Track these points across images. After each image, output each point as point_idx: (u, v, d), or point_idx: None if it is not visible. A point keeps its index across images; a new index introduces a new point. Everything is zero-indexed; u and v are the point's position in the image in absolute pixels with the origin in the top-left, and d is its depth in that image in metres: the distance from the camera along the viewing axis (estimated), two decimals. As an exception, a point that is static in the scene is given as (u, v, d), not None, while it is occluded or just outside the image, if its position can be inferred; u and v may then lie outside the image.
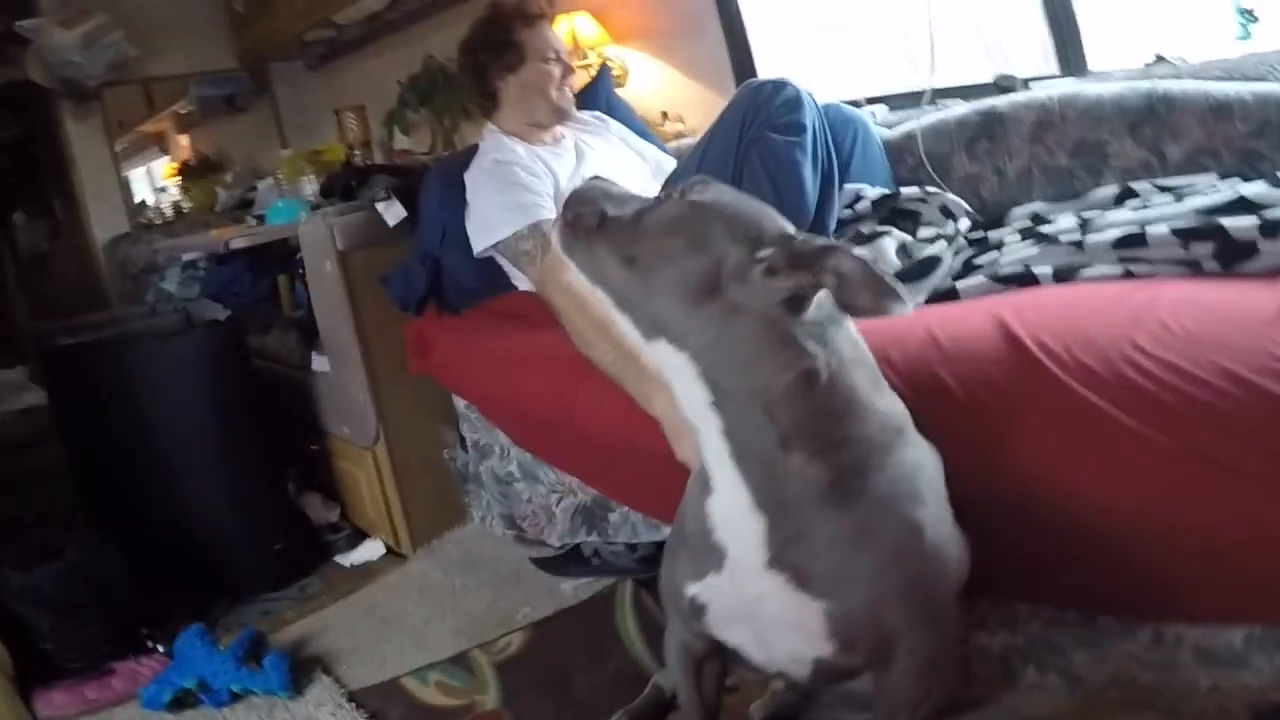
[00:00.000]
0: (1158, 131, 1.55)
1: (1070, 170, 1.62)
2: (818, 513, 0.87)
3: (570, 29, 2.61)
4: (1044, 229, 1.39)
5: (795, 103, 1.49)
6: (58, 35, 3.42)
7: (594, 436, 1.50)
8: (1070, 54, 1.99)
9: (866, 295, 0.79)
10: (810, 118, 1.49)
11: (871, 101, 2.03)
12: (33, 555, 1.80)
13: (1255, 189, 1.29)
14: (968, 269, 1.37)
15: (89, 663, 1.77)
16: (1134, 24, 2.04)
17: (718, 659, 1.09)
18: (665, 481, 1.17)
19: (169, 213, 3.90)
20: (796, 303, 0.83)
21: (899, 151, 1.81)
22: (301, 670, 1.68)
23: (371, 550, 2.13)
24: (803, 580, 0.89)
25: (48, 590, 1.76)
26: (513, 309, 1.80)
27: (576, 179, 1.76)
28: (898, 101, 2.03)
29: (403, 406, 2.06)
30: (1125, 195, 1.47)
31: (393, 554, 2.14)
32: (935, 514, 0.91)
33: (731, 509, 0.91)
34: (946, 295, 1.31)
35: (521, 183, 1.72)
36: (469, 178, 1.81)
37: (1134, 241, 1.22)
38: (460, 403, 1.96)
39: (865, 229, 1.53)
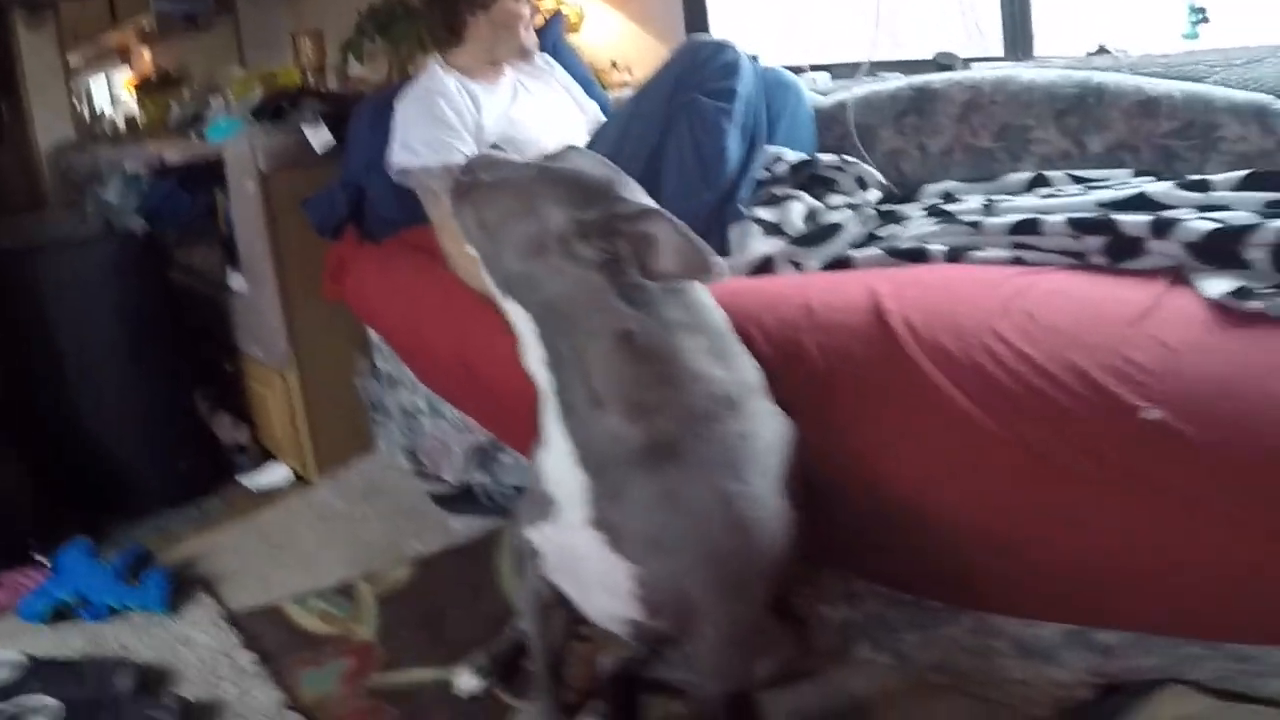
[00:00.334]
0: (1082, 122, 1.51)
1: (991, 153, 1.57)
2: (633, 475, 0.87)
3: (532, -30, 2.50)
4: (949, 207, 1.35)
5: (732, 67, 1.44)
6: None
7: (486, 379, 1.45)
8: (1019, 38, 1.94)
9: (676, 260, 0.79)
10: (745, 84, 1.44)
11: (816, 69, 1.96)
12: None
13: (1160, 188, 1.25)
14: (869, 240, 1.33)
15: (-26, 573, 1.71)
16: (1086, 12, 1.99)
17: (566, 606, 1.07)
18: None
19: (122, 124, 3.74)
20: (616, 265, 0.83)
21: (830, 120, 1.75)
22: (184, 590, 1.64)
23: (277, 474, 2.08)
24: (617, 542, 0.89)
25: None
26: (427, 243, 1.73)
27: (504, 121, 1.69)
28: (841, 70, 1.97)
29: (316, 331, 2.00)
30: (1037, 182, 1.43)
31: (300, 479, 2.09)
32: (754, 488, 0.88)
33: (557, 465, 0.92)
34: (843, 264, 1.27)
35: (446, 120, 1.65)
36: (399, 101, 1.74)
37: (1029, 228, 1.19)
38: (374, 332, 1.91)
39: (778, 191, 1.48)
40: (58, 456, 1.89)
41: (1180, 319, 0.96)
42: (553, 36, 2.13)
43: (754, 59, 1.55)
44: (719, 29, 2.34)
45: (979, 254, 1.18)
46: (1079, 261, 1.15)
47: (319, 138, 1.92)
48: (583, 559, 0.92)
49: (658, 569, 0.88)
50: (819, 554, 1.04)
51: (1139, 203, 1.20)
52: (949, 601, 1.04)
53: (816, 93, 1.83)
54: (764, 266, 1.29)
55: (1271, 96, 1.41)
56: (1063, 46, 1.93)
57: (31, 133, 3.53)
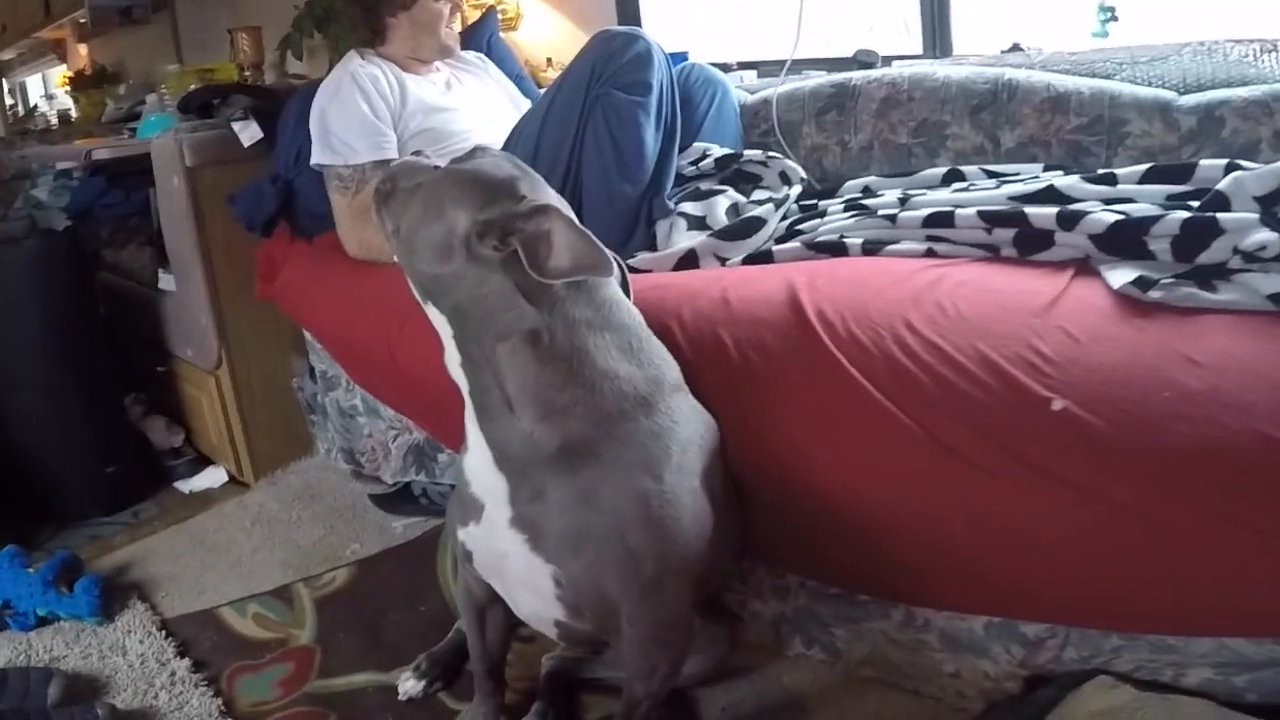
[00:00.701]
0: (996, 117, 1.51)
1: (909, 148, 1.56)
2: (551, 477, 0.84)
3: (469, -32, 2.44)
4: (867, 201, 1.34)
5: (644, 59, 1.40)
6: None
7: (417, 377, 1.40)
8: (938, 36, 1.94)
9: (568, 257, 0.77)
10: (658, 76, 1.41)
11: (743, 66, 1.94)
12: None
13: (1068, 181, 1.25)
14: (791, 234, 1.31)
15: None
16: (1003, 11, 2.01)
17: (502, 606, 1.04)
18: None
19: (54, 120, 3.58)
20: (518, 265, 0.81)
21: (755, 116, 1.73)
22: (117, 596, 1.56)
23: (213, 477, 2.00)
24: (538, 542, 0.86)
25: None
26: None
27: (432, 112, 1.64)
28: (767, 68, 1.95)
29: (248, 331, 1.92)
30: (953, 177, 1.42)
31: (236, 482, 2.01)
32: (669, 487, 0.85)
33: (478, 467, 0.90)
34: (764, 257, 1.25)
35: (361, 115, 1.59)
36: (321, 88, 1.68)
37: (942, 220, 1.18)
38: (307, 331, 1.84)
39: (704, 186, 1.46)
40: (-19, 465, 1.78)
41: (1084, 309, 0.96)
42: (487, 32, 2.09)
43: (684, 55, 1.53)
44: (651, 28, 2.31)
45: (895, 247, 1.17)
46: (990, 254, 1.14)
47: (247, 132, 1.84)
48: (505, 560, 0.90)
49: (575, 569, 0.86)
50: (747, 548, 1.02)
51: (1048, 196, 1.20)
52: (876, 595, 1.03)
53: (743, 90, 1.80)
54: (688, 260, 1.27)
55: (1173, 93, 1.43)
56: (980, 45, 1.95)
57: (-42, 130, 3.35)
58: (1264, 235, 1.00)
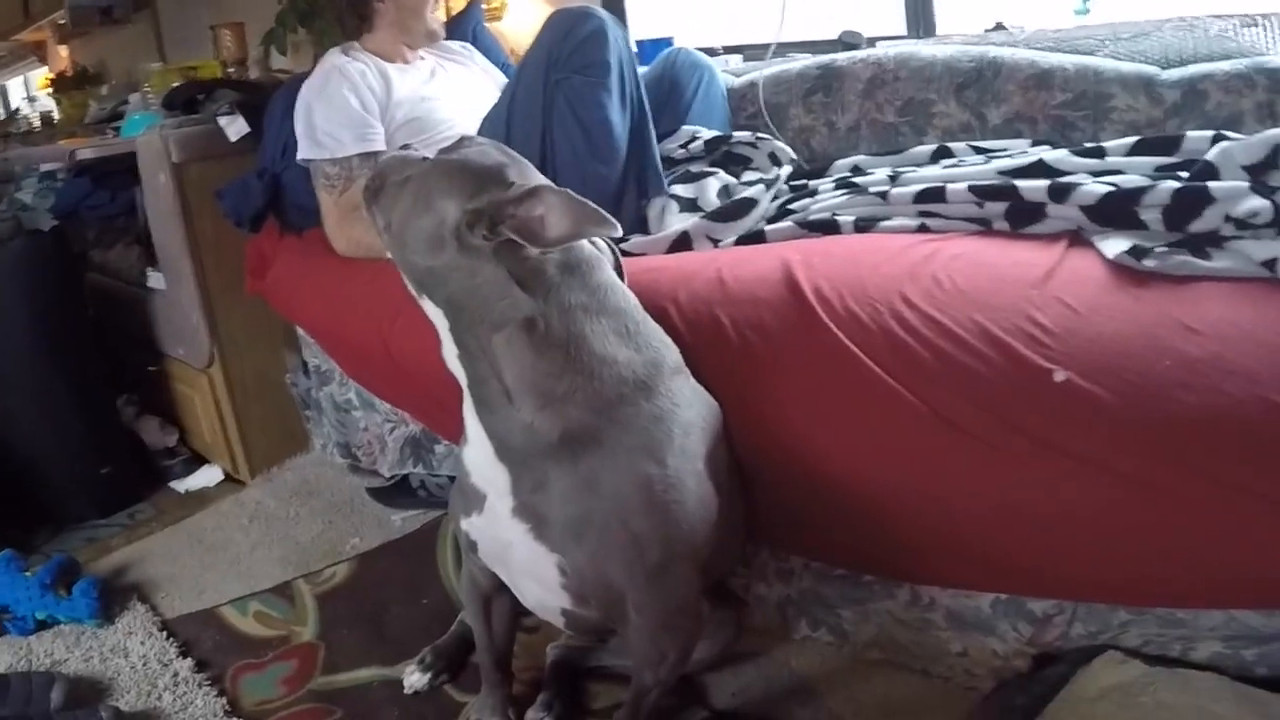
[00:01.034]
0: (981, 95, 1.49)
1: (896, 127, 1.54)
2: (553, 466, 0.82)
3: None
4: (857, 179, 1.31)
5: (599, 37, 1.35)
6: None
7: (412, 370, 1.37)
8: (921, 17, 1.92)
9: (567, 221, 0.75)
10: (615, 52, 1.36)
11: (728, 51, 1.91)
12: None
13: (1057, 155, 1.23)
14: (782, 214, 1.29)
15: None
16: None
17: (508, 596, 1.02)
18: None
19: (37, 123, 3.50)
20: (511, 253, 0.79)
21: (742, 99, 1.71)
22: (116, 598, 1.53)
23: (209, 476, 1.95)
24: (541, 532, 0.84)
25: None
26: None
27: (417, 100, 1.60)
28: (752, 52, 1.92)
29: (240, 327, 1.88)
30: (941, 154, 1.40)
31: (232, 480, 1.97)
32: (675, 468, 0.83)
33: (479, 459, 0.87)
34: (756, 238, 1.22)
35: (348, 108, 1.55)
36: (305, 84, 1.64)
37: (934, 196, 1.15)
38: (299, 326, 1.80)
39: (694, 168, 1.44)
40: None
41: (1080, 279, 0.94)
42: (472, 21, 2.05)
43: (670, 40, 1.49)
44: (636, 16, 2.27)
45: (887, 223, 1.15)
46: (982, 228, 1.12)
47: (234, 127, 1.79)
48: (510, 550, 0.87)
49: (580, 557, 0.83)
50: (750, 531, 0.99)
51: (1038, 170, 1.18)
52: (881, 574, 1.01)
53: (729, 74, 1.78)
54: (681, 242, 1.24)
55: (1156, 68, 1.41)
56: (962, 25, 1.92)
57: (-61, 134, 3.27)
58: (1255, 202, 0.98)
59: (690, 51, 1.67)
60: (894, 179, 1.26)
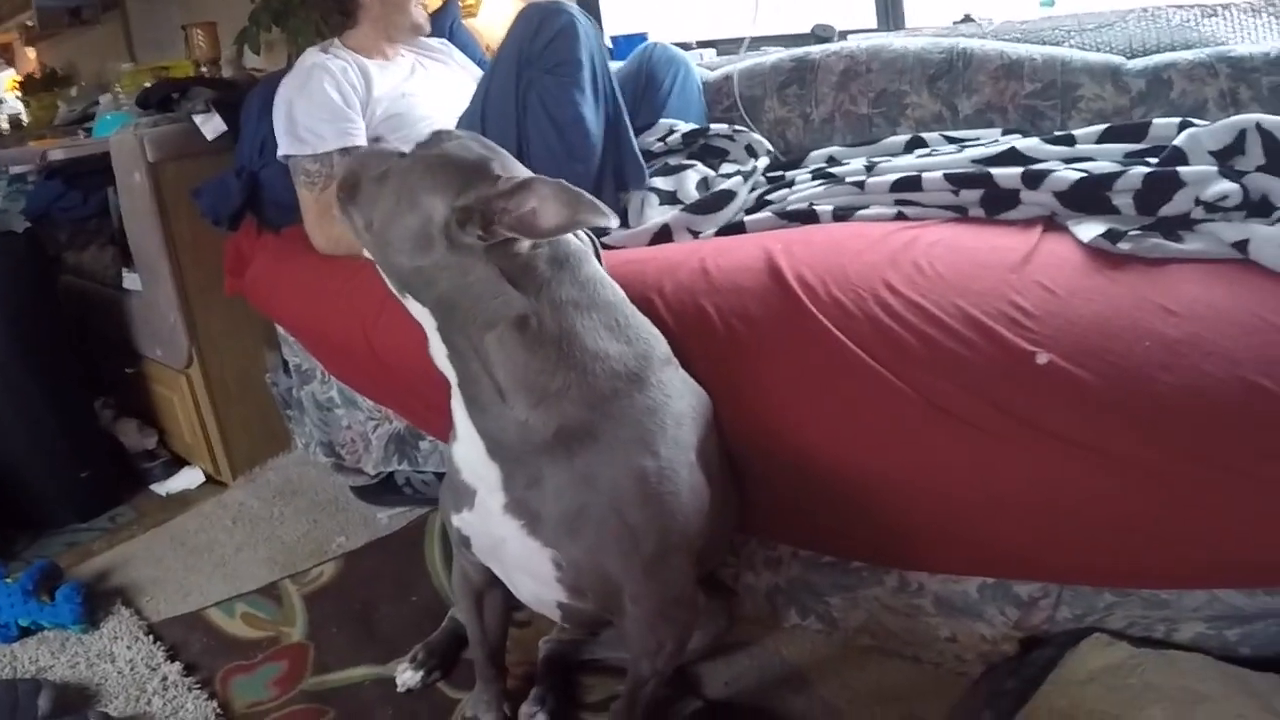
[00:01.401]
0: (952, 86, 1.49)
1: (870, 118, 1.54)
2: (548, 463, 0.80)
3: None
4: (834, 170, 1.30)
5: (568, 33, 1.31)
6: None
7: (395, 366, 1.34)
8: (891, 10, 1.91)
9: (561, 212, 0.71)
10: (586, 48, 1.33)
11: (702, 45, 1.89)
12: None
13: (1028, 143, 1.23)
14: (760, 205, 1.27)
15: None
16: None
17: (500, 591, 1.00)
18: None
19: (5, 126, 3.39)
20: (503, 250, 0.76)
21: (717, 93, 1.69)
22: (100, 603, 1.48)
23: (189, 478, 1.90)
24: (535, 527, 0.82)
25: None
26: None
27: (397, 96, 1.56)
28: (726, 46, 1.91)
29: (219, 327, 1.83)
30: (915, 144, 1.40)
31: (213, 482, 1.92)
32: (669, 459, 0.81)
33: (469, 456, 0.85)
34: (736, 229, 1.21)
35: (330, 103, 1.51)
36: (284, 81, 1.59)
37: (910, 184, 1.15)
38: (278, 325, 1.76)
39: (673, 161, 1.42)
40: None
41: (1058, 263, 0.93)
42: (449, 18, 2.01)
43: (644, 35, 1.47)
44: (610, 11, 2.25)
45: (865, 212, 1.14)
46: (958, 215, 1.11)
47: (210, 125, 1.74)
48: (503, 545, 0.85)
49: (575, 551, 0.82)
50: (739, 520, 0.98)
51: (1010, 157, 1.18)
52: (869, 561, 1.00)
53: (704, 68, 1.76)
54: (661, 235, 1.22)
55: (1122, 58, 1.42)
56: (931, 17, 1.92)
57: (-96, 139, 3.16)
58: (1224, 186, 0.99)
59: (666, 46, 1.65)
60: (870, 169, 1.25)
